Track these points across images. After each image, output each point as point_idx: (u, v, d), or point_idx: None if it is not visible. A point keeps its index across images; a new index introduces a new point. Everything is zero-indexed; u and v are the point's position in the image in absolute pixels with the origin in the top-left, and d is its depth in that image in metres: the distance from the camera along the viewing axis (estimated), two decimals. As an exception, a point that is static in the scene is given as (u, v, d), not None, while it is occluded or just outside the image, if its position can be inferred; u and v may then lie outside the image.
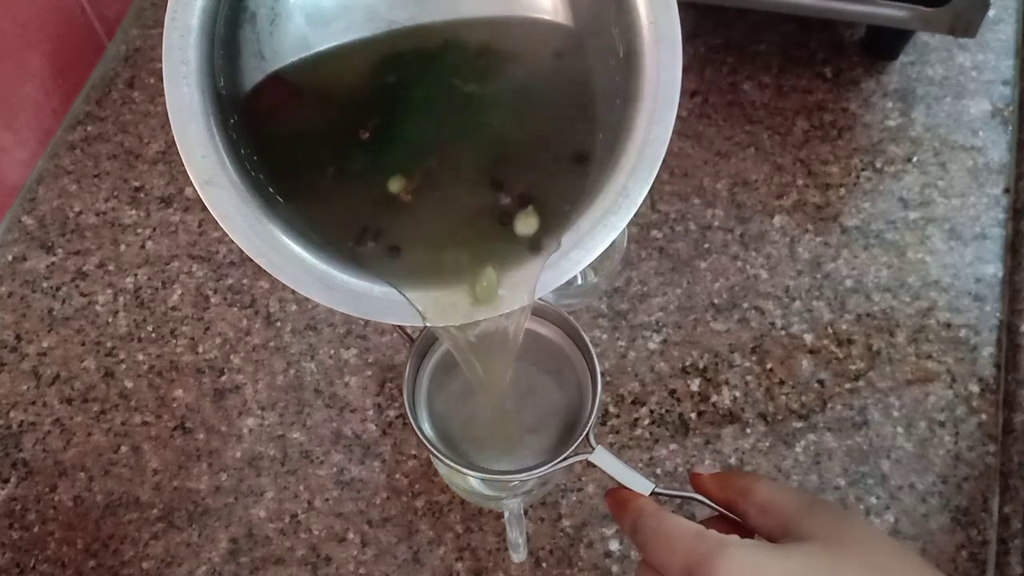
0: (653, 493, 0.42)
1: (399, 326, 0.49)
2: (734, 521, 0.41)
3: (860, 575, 0.36)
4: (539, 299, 0.45)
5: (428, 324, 0.38)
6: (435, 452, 0.44)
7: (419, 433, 0.45)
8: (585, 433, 0.43)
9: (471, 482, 0.51)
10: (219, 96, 0.37)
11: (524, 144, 0.40)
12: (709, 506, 0.42)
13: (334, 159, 0.40)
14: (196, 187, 0.35)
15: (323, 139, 0.40)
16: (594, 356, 0.46)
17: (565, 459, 0.43)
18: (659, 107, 0.37)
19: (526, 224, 0.38)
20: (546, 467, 0.43)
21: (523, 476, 0.44)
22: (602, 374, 0.46)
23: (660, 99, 0.37)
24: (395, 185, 0.39)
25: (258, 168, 0.38)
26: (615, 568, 0.53)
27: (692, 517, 0.40)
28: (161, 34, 0.35)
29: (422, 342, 0.48)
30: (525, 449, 0.48)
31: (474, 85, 0.40)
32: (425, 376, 0.48)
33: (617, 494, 0.43)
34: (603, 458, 0.43)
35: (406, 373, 0.47)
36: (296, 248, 0.37)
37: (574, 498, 0.55)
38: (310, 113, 0.40)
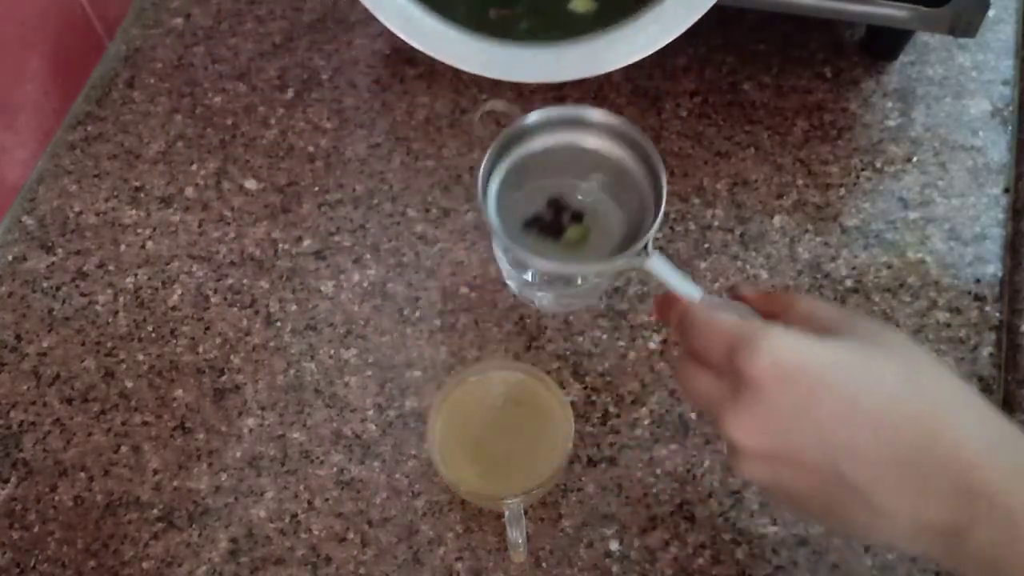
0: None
1: (483, 121, 0.54)
2: None
3: (889, 368, 0.38)
4: (596, 111, 0.49)
5: (496, 76, 0.42)
6: (501, 235, 0.47)
7: (488, 217, 0.48)
8: (646, 240, 0.45)
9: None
10: None
11: None
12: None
13: None
14: None
15: None
16: (660, 165, 0.48)
17: (623, 257, 0.45)
18: None
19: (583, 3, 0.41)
20: (605, 263, 0.47)
21: (582, 268, 0.48)
22: (667, 185, 0.48)
23: None
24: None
25: None
26: (615, 568, 0.53)
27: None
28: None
29: (506, 139, 0.49)
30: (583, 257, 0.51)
31: None
32: (499, 175, 0.50)
33: (666, 296, 0.45)
34: (658, 264, 0.45)
35: (482, 167, 0.49)
36: None
37: (574, 498, 0.55)
38: None
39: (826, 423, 0.37)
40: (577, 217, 0.52)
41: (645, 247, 0.45)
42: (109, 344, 0.62)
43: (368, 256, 0.64)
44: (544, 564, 0.53)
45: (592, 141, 0.50)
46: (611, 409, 0.58)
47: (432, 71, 0.72)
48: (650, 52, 0.39)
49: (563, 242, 0.51)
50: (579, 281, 0.60)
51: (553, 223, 0.51)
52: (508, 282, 0.61)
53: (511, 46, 0.41)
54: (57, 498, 0.56)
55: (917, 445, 0.37)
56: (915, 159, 0.66)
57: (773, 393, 0.38)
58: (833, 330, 0.40)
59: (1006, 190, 0.65)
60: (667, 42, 0.39)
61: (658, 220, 0.46)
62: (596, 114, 0.49)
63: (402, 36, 0.40)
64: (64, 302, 0.63)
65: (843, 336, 0.39)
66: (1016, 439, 0.38)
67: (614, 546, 0.53)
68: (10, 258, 0.66)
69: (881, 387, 0.38)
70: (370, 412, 0.58)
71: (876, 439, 0.37)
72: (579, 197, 0.52)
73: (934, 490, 0.37)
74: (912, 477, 0.37)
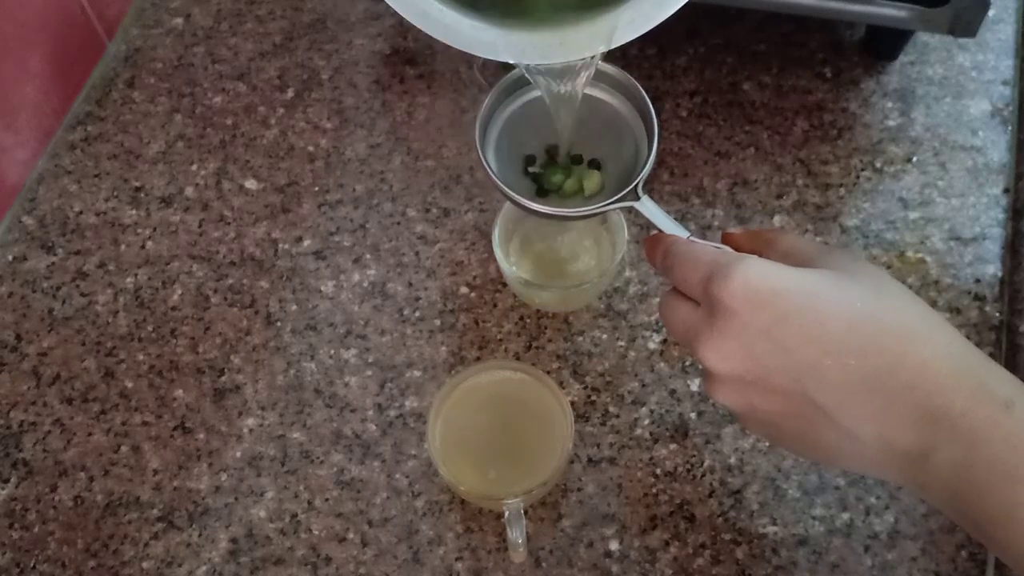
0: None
1: (480, 72, 0.54)
2: None
3: (858, 292, 0.39)
4: (601, 63, 0.50)
5: (507, 60, 0.44)
6: (498, 181, 0.49)
7: (485, 163, 0.49)
8: (636, 183, 0.48)
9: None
10: None
11: None
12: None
13: None
14: None
15: None
16: (652, 113, 0.50)
17: (615, 202, 0.48)
18: None
19: None
20: (598, 206, 0.48)
21: (575, 212, 0.49)
22: (659, 130, 0.50)
23: None
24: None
25: None
26: (615, 568, 0.53)
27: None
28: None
29: (500, 91, 0.52)
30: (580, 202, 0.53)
31: None
32: (497, 123, 0.53)
33: (654, 236, 0.47)
34: (648, 206, 0.48)
35: (481, 112, 0.51)
36: None
37: (574, 498, 0.55)
38: None
39: (794, 346, 0.39)
40: (575, 162, 0.53)
41: (636, 189, 0.47)
42: (109, 344, 0.62)
43: (368, 256, 0.64)
44: (544, 564, 0.53)
45: (589, 89, 0.52)
46: (611, 409, 0.58)
47: (432, 71, 0.72)
48: (653, 25, 0.42)
49: (560, 192, 0.53)
50: (580, 282, 0.60)
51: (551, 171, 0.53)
52: (508, 282, 0.61)
53: (519, 31, 0.44)
54: (57, 498, 0.56)
55: (882, 367, 0.38)
56: (915, 159, 0.66)
57: (744, 317, 0.39)
58: (809, 263, 0.42)
59: (1006, 190, 0.65)
60: (667, 15, 0.42)
61: (650, 162, 0.48)
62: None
63: (420, 26, 0.43)
64: (64, 302, 0.63)
65: (817, 266, 0.41)
66: (980, 363, 0.39)
67: (614, 546, 0.53)
68: (10, 258, 0.66)
69: (848, 310, 0.39)
70: (370, 412, 0.58)
71: (842, 361, 0.38)
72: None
73: (899, 412, 0.38)
74: (877, 399, 0.38)
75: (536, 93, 0.53)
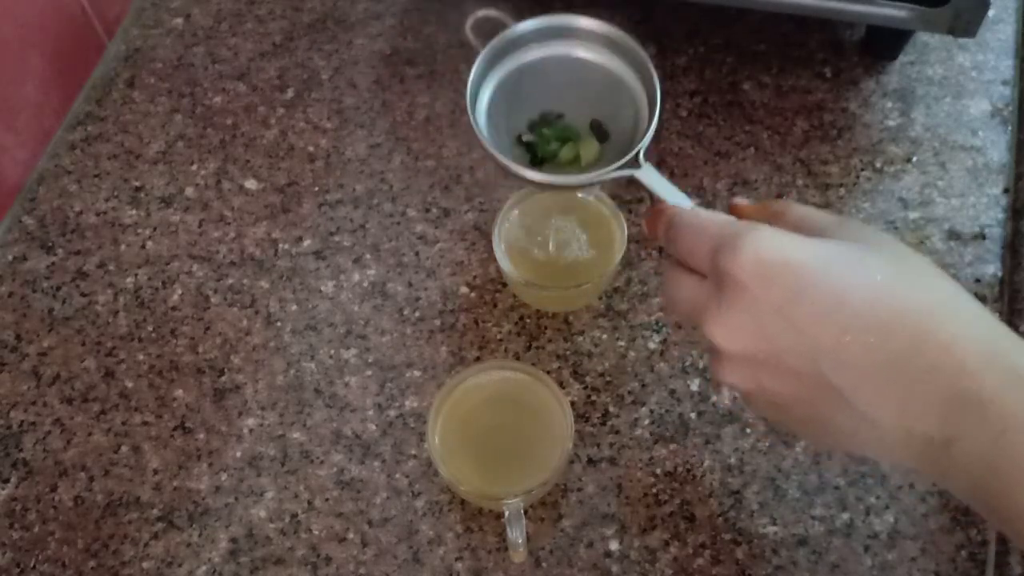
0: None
1: (472, 32, 0.51)
2: None
3: (879, 265, 0.36)
4: (589, 20, 0.49)
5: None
6: (492, 150, 0.46)
7: (477, 130, 0.47)
8: (637, 150, 0.45)
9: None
10: None
11: None
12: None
13: None
14: None
15: None
16: (655, 76, 0.47)
17: (616, 169, 0.45)
18: None
19: None
20: (596, 174, 0.46)
21: (571, 180, 0.47)
22: (662, 97, 0.47)
23: None
24: None
25: None
26: (615, 568, 0.53)
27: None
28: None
29: (491, 52, 0.49)
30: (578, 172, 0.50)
31: None
32: (490, 86, 0.50)
33: (657, 208, 0.44)
34: (649, 174, 0.45)
35: (471, 75, 0.48)
36: None
37: (574, 498, 0.55)
38: None
39: (809, 323, 0.36)
40: (574, 130, 0.51)
41: (638, 156, 0.45)
42: (109, 344, 0.62)
43: (368, 256, 0.64)
44: (544, 564, 0.53)
45: (586, 51, 0.50)
46: (611, 409, 0.58)
47: (432, 71, 0.72)
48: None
49: (556, 161, 0.50)
50: (579, 282, 0.60)
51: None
52: (508, 282, 0.61)
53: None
54: (57, 498, 0.56)
55: (905, 346, 0.35)
56: (915, 159, 0.66)
57: (755, 292, 0.36)
58: (823, 234, 0.38)
59: (1006, 190, 0.65)
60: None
61: (652, 128, 0.46)
62: (589, 23, 0.49)
63: None
64: (64, 302, 0.63)
65: (832, 237, 0.38)
66: (1011, 343, 0.35)
67: (614, 546, 0.53)
68: (10, 258, 0.66)
69: (868, 285, 0.36)
70: (370, 412, 0.58)
71: (862, 339, 0.35)
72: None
73: (922, 395, 0.35)
74: (899, 381, 0.35)
75: (529, 57, 0.50)
